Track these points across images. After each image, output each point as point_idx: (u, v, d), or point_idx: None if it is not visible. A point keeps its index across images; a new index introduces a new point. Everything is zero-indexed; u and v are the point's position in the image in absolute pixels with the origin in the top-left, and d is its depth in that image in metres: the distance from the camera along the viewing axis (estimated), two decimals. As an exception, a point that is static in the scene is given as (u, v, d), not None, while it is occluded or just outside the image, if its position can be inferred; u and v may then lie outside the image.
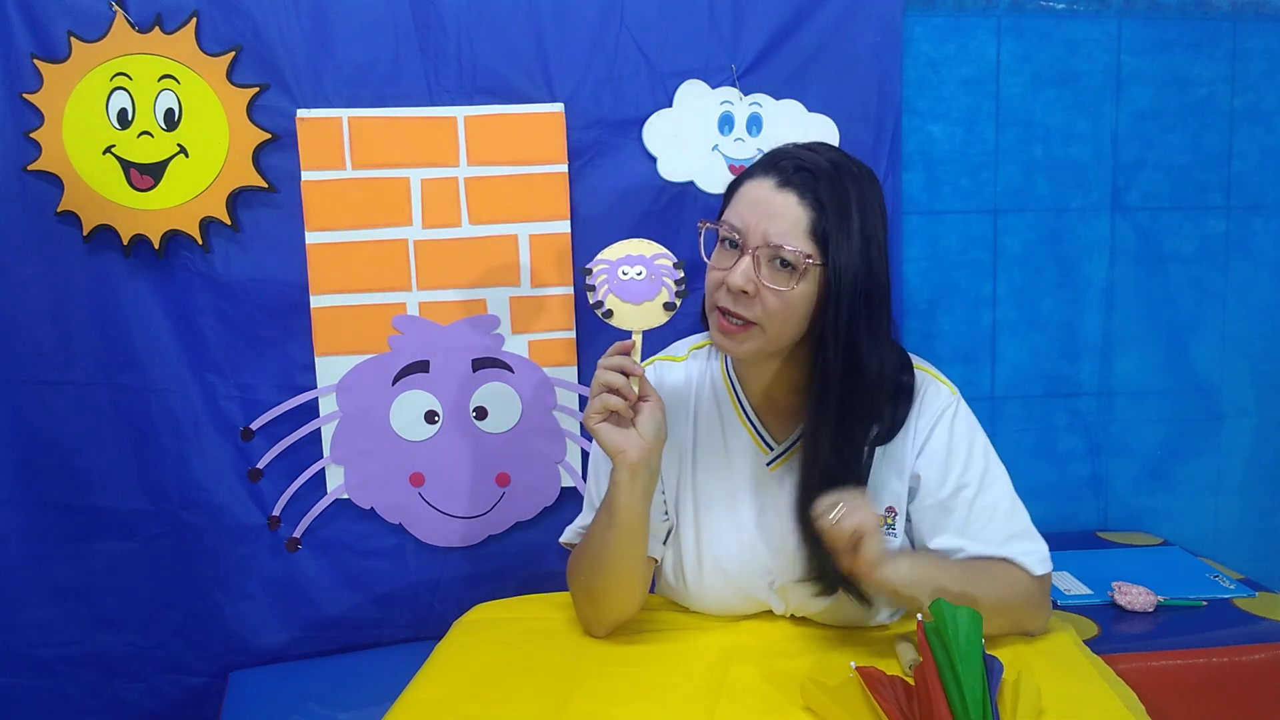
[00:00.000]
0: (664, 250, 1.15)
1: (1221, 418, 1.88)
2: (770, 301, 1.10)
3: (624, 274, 1.14)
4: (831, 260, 1.10)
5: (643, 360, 1.32)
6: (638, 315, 1.14)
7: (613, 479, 1.14)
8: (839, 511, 1.07)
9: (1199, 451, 1.88)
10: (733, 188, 1.17)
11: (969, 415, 1.23)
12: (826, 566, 1.14)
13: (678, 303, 1.14)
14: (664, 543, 1.27)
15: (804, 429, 1.20)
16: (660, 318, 1.14)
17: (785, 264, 1.10)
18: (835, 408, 1.16)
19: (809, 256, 1.09)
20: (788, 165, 1.13)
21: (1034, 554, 1.18)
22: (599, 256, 1.15)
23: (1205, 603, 1.54)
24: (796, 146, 1.17)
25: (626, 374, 1.11)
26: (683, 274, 1.14)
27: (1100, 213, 1.80)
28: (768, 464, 1.23)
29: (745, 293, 1.10)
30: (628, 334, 1.14)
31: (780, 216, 1.10)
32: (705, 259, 1.18)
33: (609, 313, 1.14)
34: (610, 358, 1.13)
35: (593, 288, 1.15)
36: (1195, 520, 1.89)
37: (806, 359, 1.18)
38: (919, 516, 1.21)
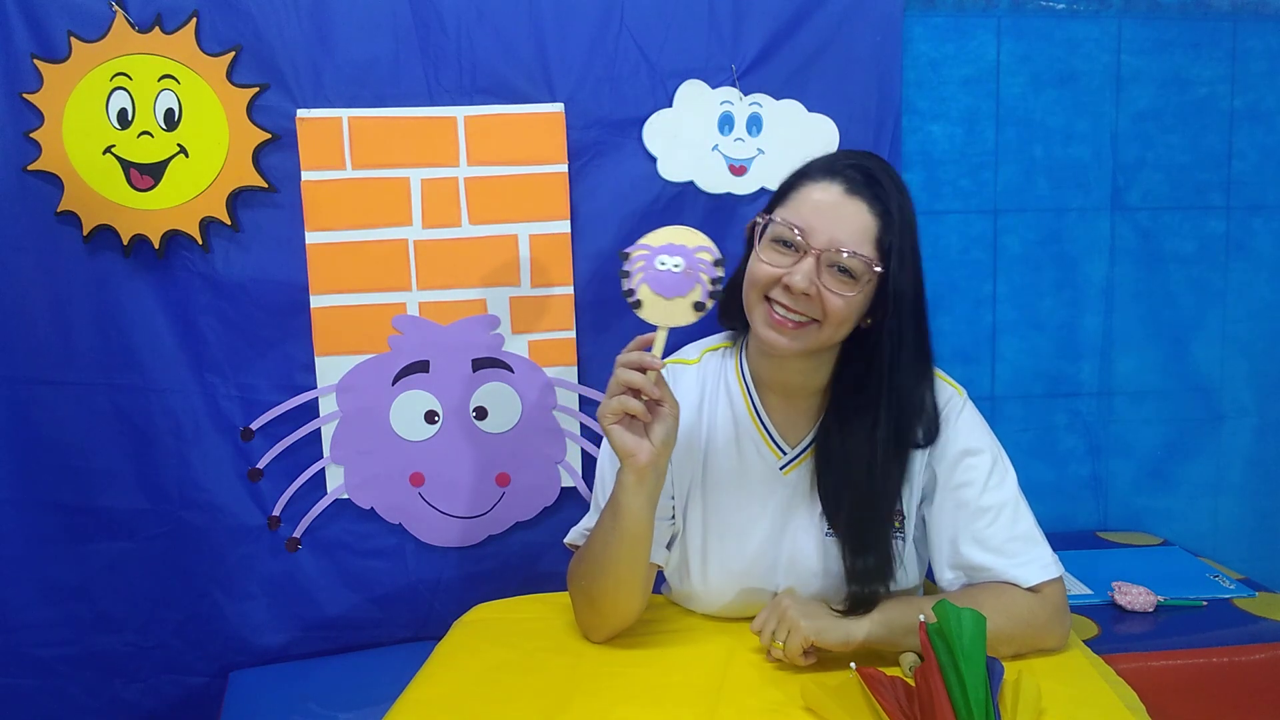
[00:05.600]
0: (708, 243, 1.10)
1: (1221, 418, 1.88)
2: (833, 303, 1.10)
3: (661, 264, 1.09)
4: (891, 272, 1.11)
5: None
6: (666, 310, 1.09)
7: (619, 481, 1.13)
8: (776, 639, 1.11)
9: (1199, 451, 1.88)
10: (788, 188, 1.15)
11: (975, 415, 1.23)
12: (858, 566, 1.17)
13: (709, 304, 1.09)
14: (667, 547, 1.26)
15: (818, 430, 1.21)
16: (689, 317, 1.09)
17: (845, 271, 1.10)
18: (852, 410, 1.16)
19: (875, 265, 1.10)
20: (854, 174, 1.12)
21: (1035, 561, 1.16)
22: (640, 241, 1.11)
23: (1205, 603, 1.54)
24: (852, 154, 1.17)
25: (645, 369, 1.08)
26: (721, 273, 1.10)
27: (1100, 213, 1.80)
28: (781, 468, 1.23)
29: (806, 294, 1.10)
30: (653, 328, 1.10)
31: (849, 223, 1.10)
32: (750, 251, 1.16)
33: (638, 303, 1.09)
34: (629, 353, 1.10)
35: (627, 274, 1.10)
36: (1195, 520, 1.89)
37: (833, 361, 1.19)
38: (930, 518, 1.21)
